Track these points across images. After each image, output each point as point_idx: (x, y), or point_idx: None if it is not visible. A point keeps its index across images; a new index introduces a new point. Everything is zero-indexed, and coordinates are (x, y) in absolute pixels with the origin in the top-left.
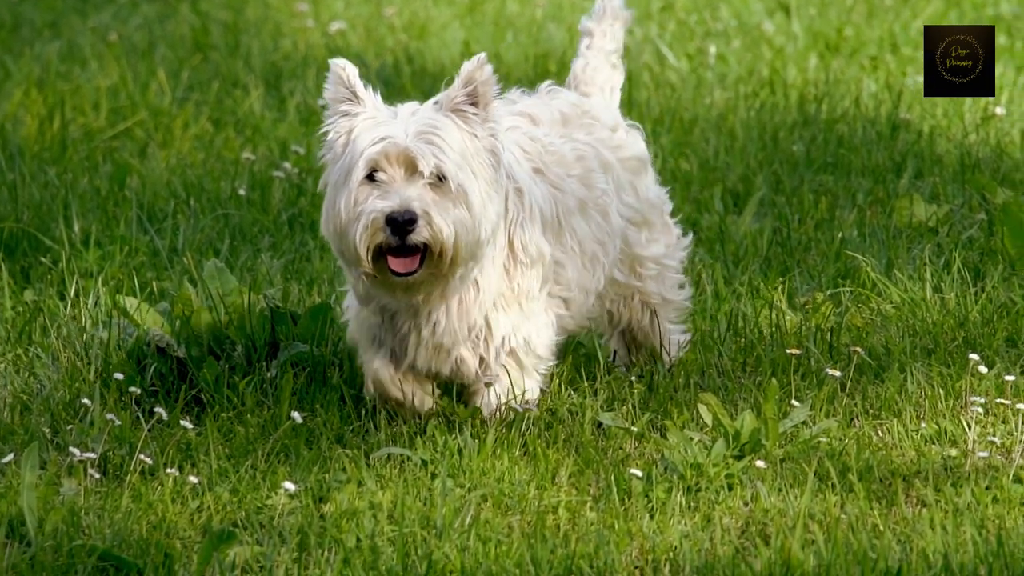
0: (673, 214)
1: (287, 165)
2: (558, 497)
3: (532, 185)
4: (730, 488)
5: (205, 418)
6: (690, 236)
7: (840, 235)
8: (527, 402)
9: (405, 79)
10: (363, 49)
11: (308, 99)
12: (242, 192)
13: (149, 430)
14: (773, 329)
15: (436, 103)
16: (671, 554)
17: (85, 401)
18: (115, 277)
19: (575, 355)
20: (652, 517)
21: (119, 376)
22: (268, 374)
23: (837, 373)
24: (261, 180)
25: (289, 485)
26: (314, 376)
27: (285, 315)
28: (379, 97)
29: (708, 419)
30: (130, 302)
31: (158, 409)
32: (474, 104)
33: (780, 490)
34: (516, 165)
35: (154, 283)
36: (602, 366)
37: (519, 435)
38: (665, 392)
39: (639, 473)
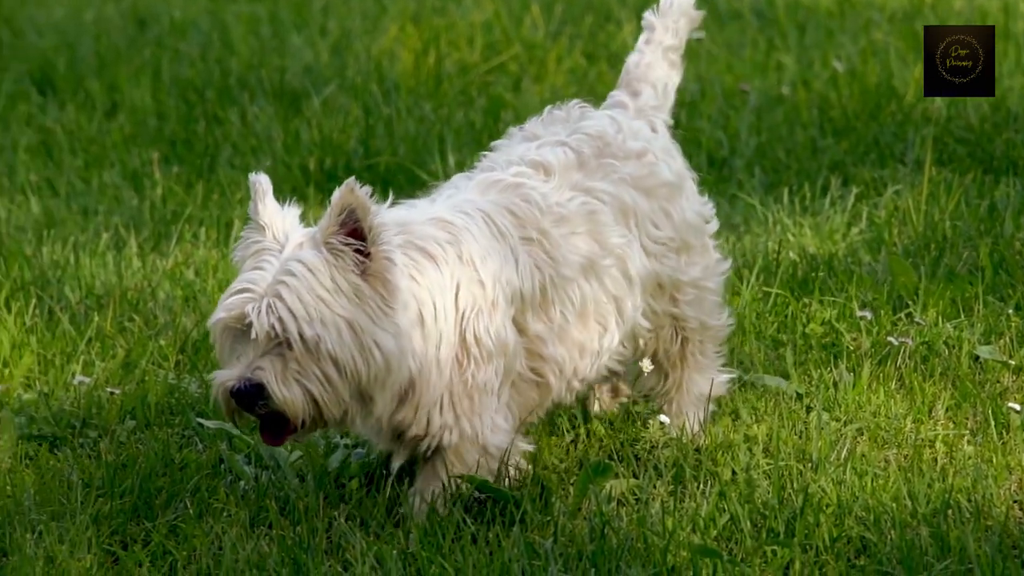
0: None
1: None
2: (935, 431)
3: (504, 266)
4: None
5: None
6: (728, 261)
7: None
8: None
9: (779, 10)
10: None
11: None
12: None
13: None
14: None
15: (313, 236)
16: None
17: None
18: None
19: (951, 287)
20: None
21: None
22: None
23: None
24: None
25: (663, 418)
26: None
27: None
28: (289, 213)
29: None
30: None
31: None
32: (353, 232)
33: None
34: (493, 242)
35: None
36: (981, 300)
37: (895, 368)
38: None
39: (1017, 407)
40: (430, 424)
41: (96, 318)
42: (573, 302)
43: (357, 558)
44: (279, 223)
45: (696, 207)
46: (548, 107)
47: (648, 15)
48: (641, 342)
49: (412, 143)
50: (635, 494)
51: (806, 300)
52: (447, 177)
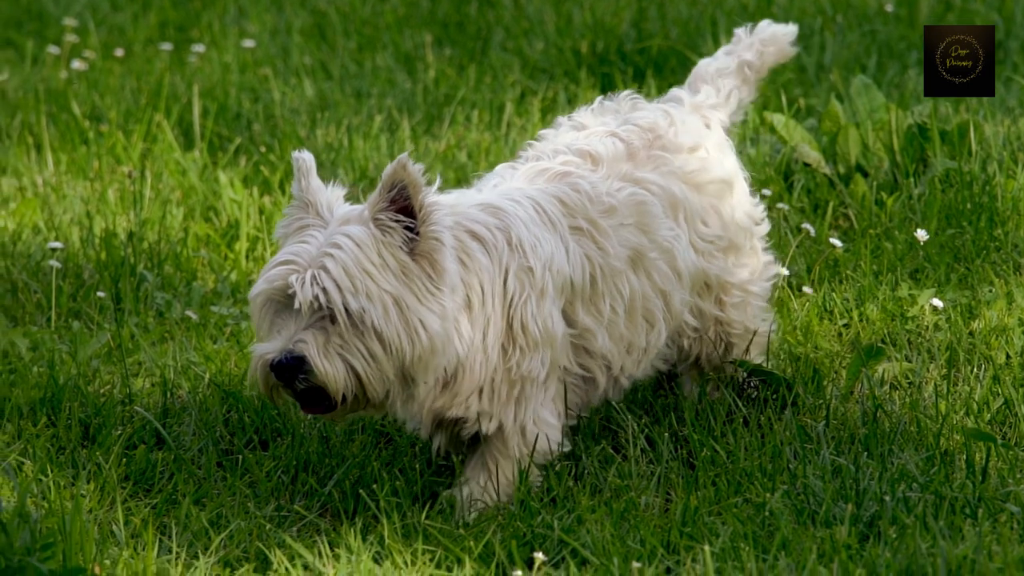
0: None
1: None
2: None
3: (555, 254)
4: None
5: (853, 235)
6: (777, 267)
7: None
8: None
9: None
10: None
11: None
12: (889, 8)
13: (797, 246)
14: None
15: (361, 212)
16: None
17: None
18: (763, 94)
19: None
20: None
21: (767, 192)
22: (916, 191)
23: None
24: None
25: (936, 302)
26: (960, 193)
27: (933, 131)
28: (334, 191)
29: None
30: (778, 119)
31: (806, 225)
32: (403, 210)
33: None
34: (543, 230)
35: (801, 100)
36: None
37: None
38: None
39: None
40: (468, 409)
41: None
42: (622, 295)
43: (629, 440)
44: (324, 200)
45: (746, 207)
46: (599, 97)
47: (739, 31)
48: (686, 343)
49: (684, 26)
50: (908, 377)
51: None
52: None
